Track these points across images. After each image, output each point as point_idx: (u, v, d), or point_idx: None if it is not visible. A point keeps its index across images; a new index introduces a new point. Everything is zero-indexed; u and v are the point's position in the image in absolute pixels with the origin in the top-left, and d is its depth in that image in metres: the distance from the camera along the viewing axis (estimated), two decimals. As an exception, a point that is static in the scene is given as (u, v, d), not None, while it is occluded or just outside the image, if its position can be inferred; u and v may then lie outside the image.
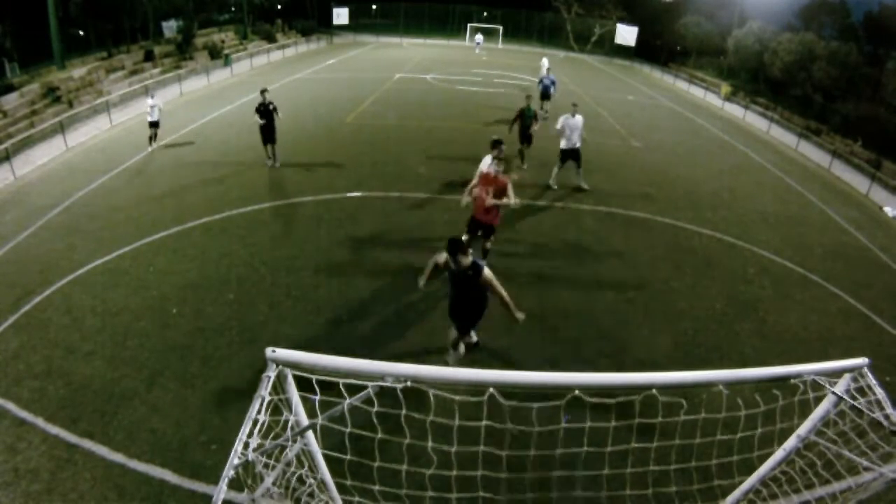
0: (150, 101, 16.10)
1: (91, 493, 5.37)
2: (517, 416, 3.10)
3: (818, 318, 9.76)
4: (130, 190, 13.00)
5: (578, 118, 13.56)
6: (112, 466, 5.65)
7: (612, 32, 48.41)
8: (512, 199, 8.67)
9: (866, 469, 3.66)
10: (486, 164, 9.42)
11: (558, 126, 13.65)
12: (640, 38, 46.12)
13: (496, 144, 9.55)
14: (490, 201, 8.71)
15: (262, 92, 14.17)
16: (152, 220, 11.23)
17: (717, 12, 41.27)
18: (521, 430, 3.29)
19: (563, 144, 13.75)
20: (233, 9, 42.86)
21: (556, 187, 14.15)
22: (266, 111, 13.98)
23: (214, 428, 6.16)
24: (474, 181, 9.12)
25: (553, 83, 21.66)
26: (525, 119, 14.84)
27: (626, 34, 46.69)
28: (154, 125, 15.95)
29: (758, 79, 34.04)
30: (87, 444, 5.91)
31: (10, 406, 6.40)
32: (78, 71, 22.98)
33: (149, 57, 27.49)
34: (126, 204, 12.11)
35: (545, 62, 30.13)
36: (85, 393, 6.65)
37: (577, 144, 13.71)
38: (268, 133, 14.32)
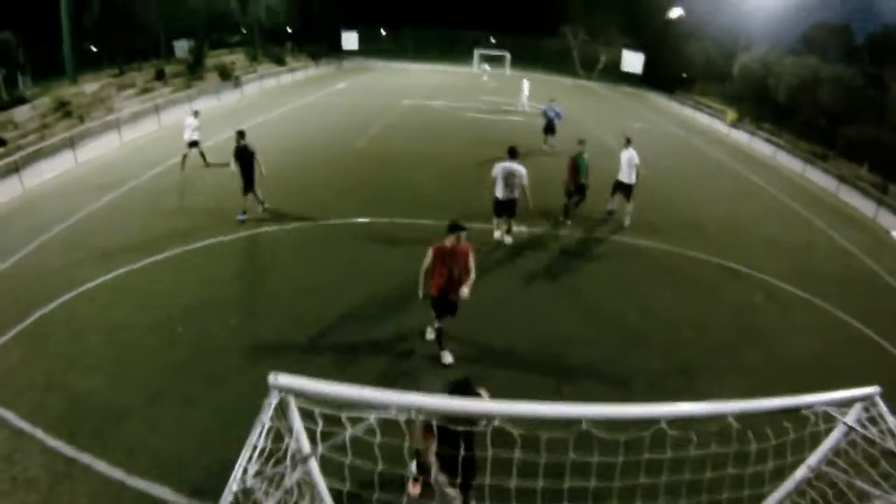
0: (190, 121, 15.61)
1: (88, 508, 5.30)
2: (525, 443, 3.05)
3: (827, 344, 9.65)
4: (138, 208, 13.06)
5: (630, 152, 13.43)
6: (110, 482, 5.59)
7: (618, 59, 48.75)
8: (472, 275, 7.42)
9: (878, 498, 3.59)
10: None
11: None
12: (647, 64, 46.36)
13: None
14: (464, 289, 7.35)
15: (239, 134, 12.26)
16: (159, 239, 11.24)
17: (721, 38, 41.54)
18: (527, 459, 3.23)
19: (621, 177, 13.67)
20: (244, 31, 43.46)
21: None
22: (245, 155, 12.08)
23: (216, 449, 6.08)
24: (427, 262, 7.42)
25: (558, 115, 20.92)
26: (578, 168, 13.07)
27: (633, 61, 46.98)
28: (194, 144, 15.28)
29: (763, 104, 34.16)
30: (86, 458, 5.85)
31: (10, 417, 6.36)
32: (90, 86, 23.26)
33: (160, 76, 27.85)
34: (133, 222, 12.16)
35: (525, 84, 30.25)
36: (85, 407, 6.60)
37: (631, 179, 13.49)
38: (248, 181, 12.26)
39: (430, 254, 7.38)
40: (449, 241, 7.32)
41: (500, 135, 23.16)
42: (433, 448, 4.50)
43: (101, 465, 5.78)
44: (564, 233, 13.10)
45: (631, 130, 28.54)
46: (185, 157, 15.65)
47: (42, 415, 6.45)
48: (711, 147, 26.90)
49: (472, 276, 7.43)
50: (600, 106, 36.73)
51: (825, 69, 28.86)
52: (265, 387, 2.73)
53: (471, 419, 3.52)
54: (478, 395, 4.73)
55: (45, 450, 5.94)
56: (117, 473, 5.69)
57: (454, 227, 7.32)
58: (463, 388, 4.62)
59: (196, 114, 16.20)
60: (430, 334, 8.31)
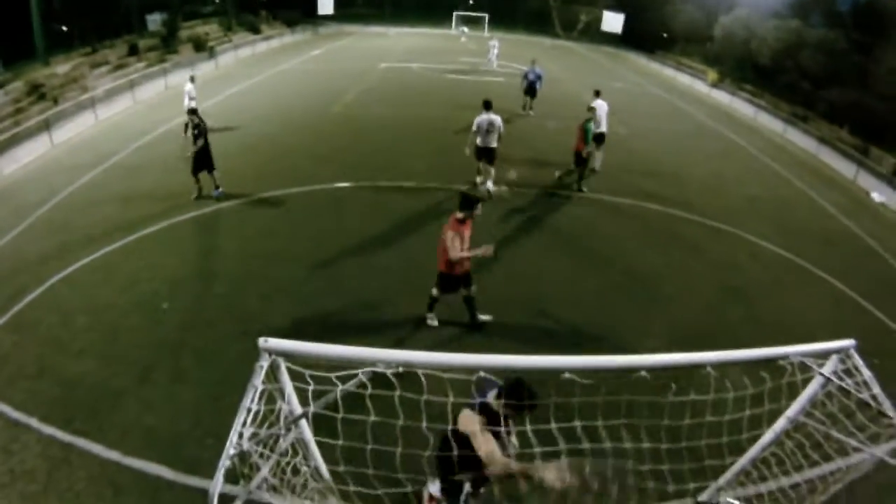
0: (189, 87, 15.36)
1: (87, 491, 5.36)
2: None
3: (807, 302, 9.87)
4: (118, 185, 12.88)
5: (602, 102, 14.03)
6: (107, 464, 5.64)
7: (599, 19, 48.31)
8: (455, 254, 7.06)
9: (855, 449, 3.72)
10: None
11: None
12: (627, 25, 46.03)
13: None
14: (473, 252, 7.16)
15: (191, 113, 11.78)
16: (141, 216, 11.13)
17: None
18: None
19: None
20: (217, 0, 42.36)
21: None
22: (201, 133, 11.52)
23: (209, 422, 6.15)
24: (453, 241, 7.05)
25: (539, 77, 20.27)
26: (587, 135, 12.84)
27: (613, 21, 46.58)
28: (193, 112, 12.85)
29: (745, 66, 34.07)
30: (82, 442, 5.89)
31: (4, 408, 6.34)
32: (62, 67, 22.65)
33: (133, 51, 27.12)
34: (114, 199, 12.01)
35: (495, 44, 30.04)
36: (78, 392, 6.62)
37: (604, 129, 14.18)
38: (203, 160, 11.72)
39: (450, 235, 7.06)
40: (463, 215, 7.12)
41: (479, 95, 22.91)
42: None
43: (98, 448, 5.82)
44: (551, 194, 13.16)
45: (611, 90, 28.54)
46: (186, 124, 14.90)
47: (36, 402, 6.44)
48: (692, 107, 26.90)
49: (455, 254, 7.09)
50: (580, 66, 36.45)
51: (808, 33, 28.76)
52: (253, 358, 2.77)
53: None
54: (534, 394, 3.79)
55: (42, 438, 5.96)
56: (113, 455, 5.74)
57: (469, 202, 7.11)
58: (519, 387, 3.77)
59: (192, 79, 16.06)
60: (433, 320, 8.09)
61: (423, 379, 2.59)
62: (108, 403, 6.44)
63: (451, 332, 8.01)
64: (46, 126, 16.56)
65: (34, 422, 6.16)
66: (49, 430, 6.06)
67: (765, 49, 30.50)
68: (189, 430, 6.08)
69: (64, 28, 26.57)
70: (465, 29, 46.45)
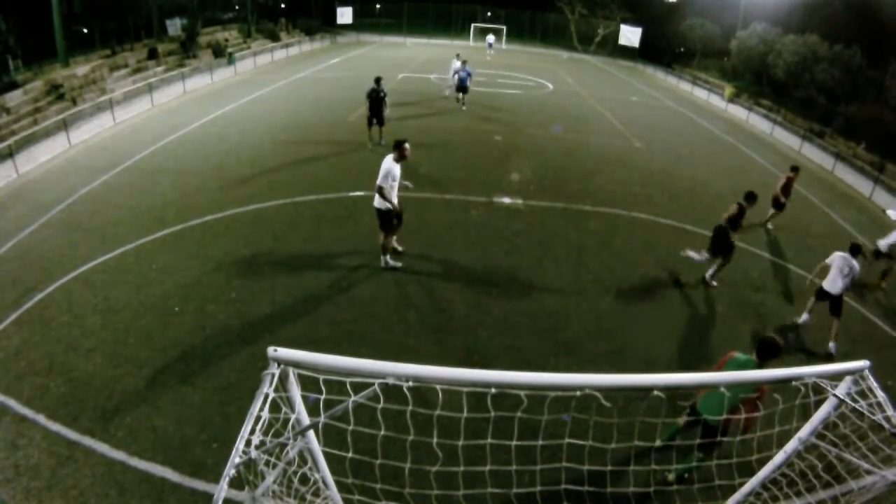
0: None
1: (91, 490, 5.37)
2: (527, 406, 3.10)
3: (821, 321, 9.73)
4: (133, 188, 13.01)
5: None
6: (113, 464, 5.66)
7: (616, 33, 48.38)
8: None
9: (867, 472, 3.65)
10: None
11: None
12: (644, 39, 46.09)
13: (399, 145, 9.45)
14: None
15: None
16: (154, 218, 11.24)
17: (720, 14, 41.20)
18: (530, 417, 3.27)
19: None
20: (237, 7, 42.85)
21: None
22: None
23: (215, 426, 6.17)
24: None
25: (469, 75, 22.22)
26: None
27: (630, 35, 46.69)
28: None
29: (761, 80, 33.96)
30: (88, 441, 5.92)
31: (12, 403, 6.41)
32: (82, 68, 22.98)
33: (152, 55, 27.48)
34: (128, 202, 12.12)
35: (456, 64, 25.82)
36: (86, 390, 6.66)
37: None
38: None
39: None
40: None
41: (496, 108, 23.07)
42: None
43: (104, 448, 5.85)
44: (558, 205, 13.12)
45: (627, 104, 28.53)
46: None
47: (44, 399, 6.50)
48: (709, 122, 26.79)
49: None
50: (597, 80, 36.49)
51: (824, 47, 28.64)
52: (262, 364, 2.76)
53: None
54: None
55: (48, 434, 6.00)
56: (119, 455, 5.77)
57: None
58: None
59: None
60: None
61: (439, 394, 2.57)
62: (116, 403, 6.47)
63: (460, 342, 7.99)
64: (64, 126, 16.79)
65: (41, 418, 6.20)
66: (56, 427, 6.10)
67: (781, 63, 30.37)
68: (195, 433, 6.09)
69: (84, 30, 26.96)
70: (492, 41, 45.01)
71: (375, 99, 15.87)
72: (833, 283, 8.90)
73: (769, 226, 13.58)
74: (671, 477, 5.33)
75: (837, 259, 8.96)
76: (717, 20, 41.55)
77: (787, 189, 13.12)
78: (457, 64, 23.13)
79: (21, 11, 22.22)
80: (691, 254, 10.12)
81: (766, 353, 5.25)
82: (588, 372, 2.85)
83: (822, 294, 9.10)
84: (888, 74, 26.16)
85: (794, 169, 13.31)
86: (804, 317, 9.48)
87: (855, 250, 8.97)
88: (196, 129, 18.07)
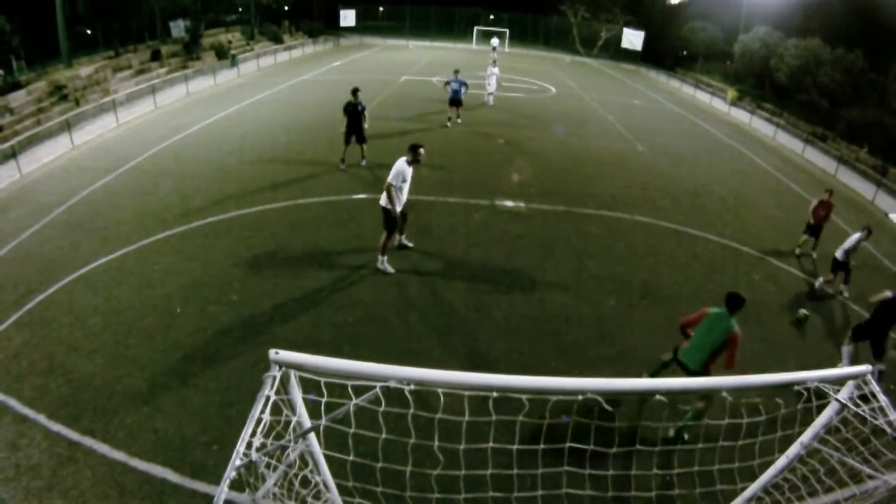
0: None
1: (92, 490, 5.37)
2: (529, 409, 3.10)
3: (823, 325, 9.72)
4: (135, 189, 13.02)
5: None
6: (113, 465, 5.66)
7: (619, 37, 48.40)
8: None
9: (870, 476, 3.64)
10: None
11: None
12: (647, 42, 46.12)
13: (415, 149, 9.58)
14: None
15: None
16: (156, 220, 11.25)
17: (723, 17, 41.19)
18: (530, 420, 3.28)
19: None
20: (240, 9, 42.93)
21: None
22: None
23: (216, 428, 6.16)
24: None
25: (463, 84, 19.96)
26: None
27: (633, 38, 46.73)
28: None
29: (764, 84, 33.94)
30: (89, 441, 5.91)
31: (13, 403, 6.41)
32: (85, 69, 23.04)
33: (156, 56, 27.54)
34: (131, 203, 12.14)
35: (495, 71, 24.91)
36: (87, 391, 6.66)
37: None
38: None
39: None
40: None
41: (500, 111, 23.06)
42: None
43: (104, 448, 5.84)
44: (560, 208, 13.11)
45: (629, 107, 28.53)
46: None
47: (45, 400, 6.50)
48: (711, 125, 26.79)
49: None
50: (600, 83, 36.49)
51: (826, 51, 28.62)
52: (264, 366, 2.76)
53: None
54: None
55: (49, 435, 6.00)
56: (120, 455, 5.76)
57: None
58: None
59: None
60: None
61: (441, 397, 2.57)
62: (117, 404, 6.47)
63: (461, 344, 7.98)
64: (67, 127, 16.83)
65: (42, 418, 6.20)
66: (56, 427, 6.09)
67: (783, 67, 30.35)
68: (196, 435, 6.08)
69: (88, 31, 27.02)
70: (496, 44, 44.62)
71: (353, 113, 14.41)
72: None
73: (814, 255, 12.52)
74: (671, 433, 5.76)
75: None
76: (720, 23, 41.55)
77: (816, 212, 12.33)
78: (494, 70, 23.16)
79: (25, 12, 22.28)
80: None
81: (734, 305, 6.42)
82: (589, 376, 2.84)
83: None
84: (890, 78, 26.10)
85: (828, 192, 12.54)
86: (819, 280, 11.03)
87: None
88: (199, 131, 18.11)
